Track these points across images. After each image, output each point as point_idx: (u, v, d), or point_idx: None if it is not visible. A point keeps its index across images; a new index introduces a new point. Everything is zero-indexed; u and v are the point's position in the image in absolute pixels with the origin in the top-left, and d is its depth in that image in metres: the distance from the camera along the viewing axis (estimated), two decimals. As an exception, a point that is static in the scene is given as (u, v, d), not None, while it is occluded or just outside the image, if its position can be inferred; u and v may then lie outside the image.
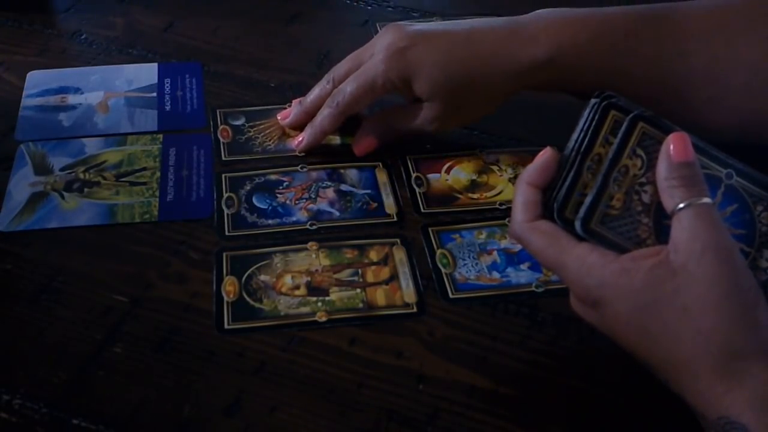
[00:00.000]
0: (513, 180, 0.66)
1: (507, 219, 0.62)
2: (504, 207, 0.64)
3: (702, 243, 0.44)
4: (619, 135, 0.48)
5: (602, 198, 0.47)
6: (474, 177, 0.67)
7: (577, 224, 0.47)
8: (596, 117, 0.49)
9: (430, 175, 0.67)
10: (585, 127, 0.49)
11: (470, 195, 0.65)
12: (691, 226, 0.44)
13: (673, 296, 0.44)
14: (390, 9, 0.87)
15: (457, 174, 0.67)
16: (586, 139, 0.48)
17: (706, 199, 0.45)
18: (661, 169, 0.47)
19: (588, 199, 0.47)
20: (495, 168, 0.67)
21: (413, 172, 0.67)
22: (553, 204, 0.48)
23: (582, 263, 0.47)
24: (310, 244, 0.61)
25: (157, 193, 0.65)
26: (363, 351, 0.54)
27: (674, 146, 0.47)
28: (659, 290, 0.44)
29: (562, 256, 0.47)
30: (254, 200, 0.64)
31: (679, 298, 0.44)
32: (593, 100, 0.49)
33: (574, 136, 0.49)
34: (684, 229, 0.45)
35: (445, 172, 0.67)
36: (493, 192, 0.65)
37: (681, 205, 0.45)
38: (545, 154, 0.50)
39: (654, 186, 0.47)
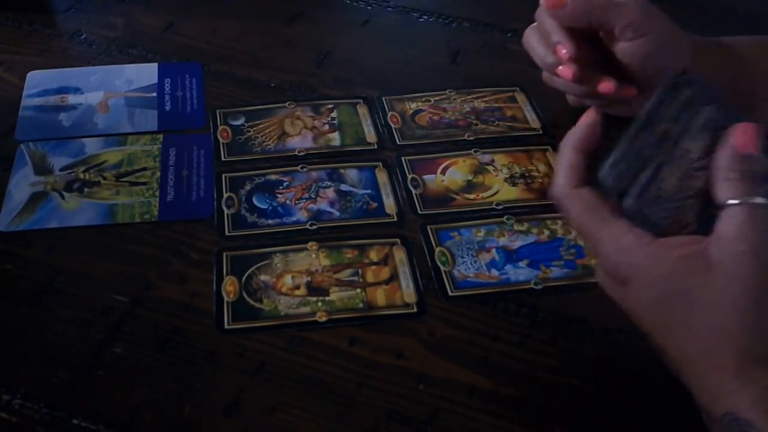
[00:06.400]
0: (508, 180, 0.66)
1: (505, 217, 0.62)
2: (501, 207, 0.64)
3: (747, 244, 0.42)
4: (687, 115, 0.46)
5: (656, 178, 0.45)
6: (470, 177, 0.66)
7: (628, 200, 0.45)
8: (669, 94, 0.47)
9: (425, 176, 0.66)
10: (656, 102, 0.47)
11: (466, 195, 0.65)
12: (740, 224, 0.42)
13: (700, 290, 0.42)
14: (390, 9, 0.87)
15: (453, 174, 0.67)
16: (654, 114, 0.46)
17: (761, 200, 0.43)
18: (722, 157, 0.44)
19: (644, 176, 0.45)
20: (490, 168, 0.67)
21: (409, 174, 0.67)
22: (601, 172, 0.46)
23: (616, 240, 0.45)
24: (310, 244, 0.61)
25: (157, 193, 0.65)
26: (363, 351, 0.54)
27: (741, 136, 0.44)
28: (687, 281, 0.43)
29: (598, 231, 0.46)
30: (254, 200, 0.64)
31: (707, 293, 0.42)
32: (672, 78, 0.47)
33: (646, 107, 0.47)
34: (732, 225, 0.42)
35: (441, 172, 0.67)
36: (489, 192, 0.65)
37: (734, 201, 0.43)
38: (589, 117, 0.48)
39: (709, 172, 0.45)
